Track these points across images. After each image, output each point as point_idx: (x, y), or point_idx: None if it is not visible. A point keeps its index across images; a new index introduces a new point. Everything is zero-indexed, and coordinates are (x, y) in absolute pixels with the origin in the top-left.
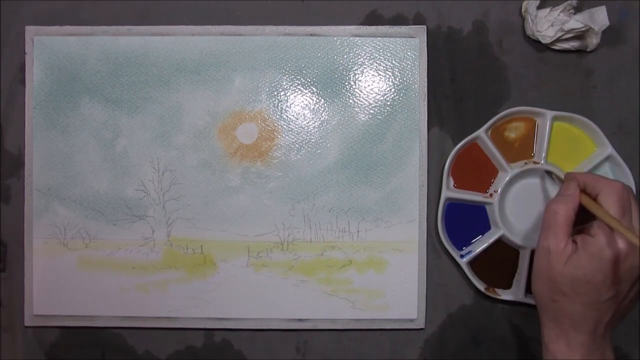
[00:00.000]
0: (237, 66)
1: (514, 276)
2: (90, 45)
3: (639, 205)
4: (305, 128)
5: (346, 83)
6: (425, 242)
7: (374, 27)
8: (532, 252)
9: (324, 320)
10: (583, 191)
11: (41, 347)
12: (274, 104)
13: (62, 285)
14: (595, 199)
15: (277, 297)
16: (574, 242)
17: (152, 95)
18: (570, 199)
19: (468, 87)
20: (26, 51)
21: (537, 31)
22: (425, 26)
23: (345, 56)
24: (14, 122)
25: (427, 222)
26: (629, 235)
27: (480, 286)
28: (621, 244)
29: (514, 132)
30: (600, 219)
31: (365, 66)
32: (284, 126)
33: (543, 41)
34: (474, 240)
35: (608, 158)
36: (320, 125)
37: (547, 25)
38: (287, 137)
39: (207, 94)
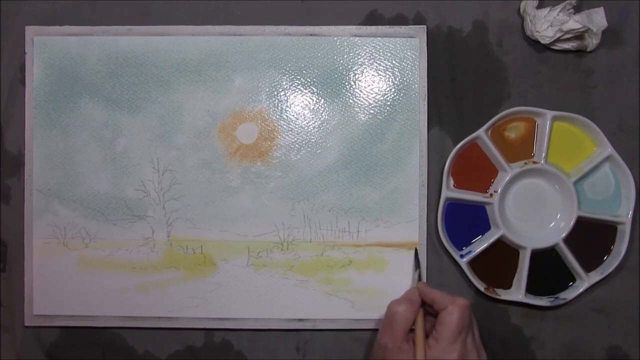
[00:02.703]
0: (237, 66)
1: (514, 276)
2: (90, 45)
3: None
4: (305, 128)
5: (346, 83)
6: (425, 242)
7: (374, 27)
8: (532, 252)
9: (324, 320)
10: (427, 305)
11: (41, 347)
12: (274, 104)
13: (62, 285)
14: (438, 313)
15: (277, 297)
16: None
17: (152, 95)
18: (411, 303)
19: (468, 87)
20: (26, 51)
21: (536, 31)
22: (425, 26)
23: (345, 56)
24: (14, 122)
25: (427, 222)
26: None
27: (480, 286)
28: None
29: (514, 132)
30: (415, 337)
31: (365, 66)
32: (284, 126)
33: (542, 41)
34: (474, 240)
35: (608, 158)
36: (320, 125)
37: (546, 26)
38: (287, 137)
39: (207, 94)
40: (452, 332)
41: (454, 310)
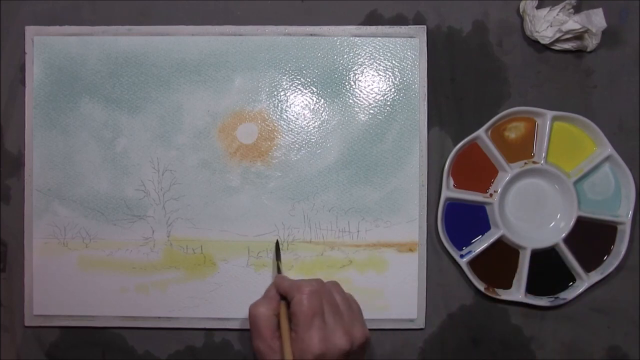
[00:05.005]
0: (237, 66)
1: (513, 276)
2: (90, 45)
3: (342, 301)
4: (305, 128)
5: (346, 83)
6: (425, 242)
7: (374, 27)
8: (532, 252)
9: None
10: (284, 297)
11: (41, 347)
12: (274, 104)
13: (62, 285)
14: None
15: None
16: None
17: (152, 95)
18: (269, 301)
19: (468, 87)
20: (26, 51)
21: (536, 31)
22: (425, 26)
23: (345, 56)
24: (14, 122)
25: (427, 222)
26: (285, 354)
27: (480, 286)
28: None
29: (514, 132)
30: (281, 332)
31: (365, 66)
32: (284, 126)
33: (542, 42)
34: (474, 240)
35: (608, 158)
36: (320, 125)
37: (545, 26)
38: (287, 137)
39: (207, 94)
40: (304, 320)
41: (301, 299)
